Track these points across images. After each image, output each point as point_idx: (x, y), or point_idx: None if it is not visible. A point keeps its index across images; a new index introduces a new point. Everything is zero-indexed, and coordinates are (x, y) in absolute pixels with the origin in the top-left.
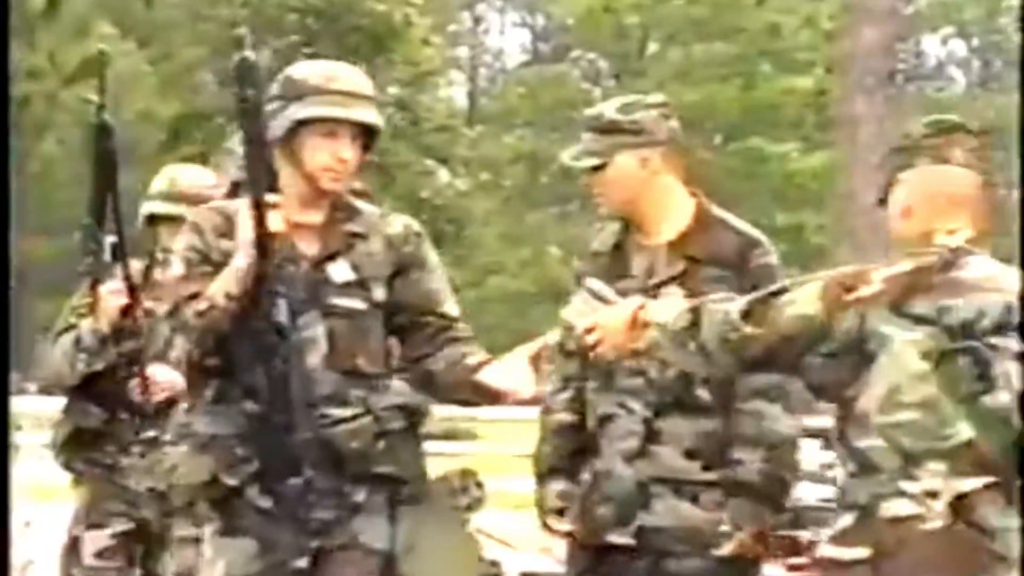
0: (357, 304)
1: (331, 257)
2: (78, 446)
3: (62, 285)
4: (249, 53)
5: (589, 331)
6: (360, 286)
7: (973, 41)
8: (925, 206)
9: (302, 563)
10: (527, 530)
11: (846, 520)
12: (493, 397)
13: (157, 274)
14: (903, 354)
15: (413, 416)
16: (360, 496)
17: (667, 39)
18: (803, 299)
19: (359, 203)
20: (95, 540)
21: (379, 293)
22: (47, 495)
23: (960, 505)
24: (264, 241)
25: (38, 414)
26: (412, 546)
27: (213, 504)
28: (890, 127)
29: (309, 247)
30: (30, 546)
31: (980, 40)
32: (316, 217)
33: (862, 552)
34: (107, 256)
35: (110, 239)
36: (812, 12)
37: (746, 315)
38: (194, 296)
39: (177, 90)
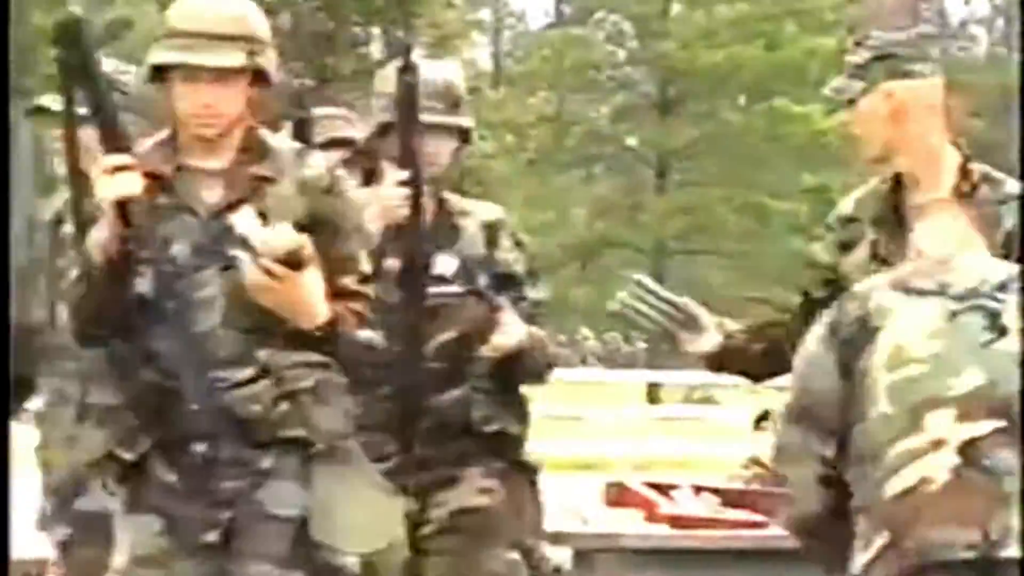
0: None
1: (235, 205)
2: None
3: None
4: (75, 9)
5: None
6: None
7: (996, 0)
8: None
9: (212, 537)
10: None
11: (864, 526)
12: None
13: None
14: (910, 317)
15: (326, 371)
16: (267, 462)
17: (691, 1)
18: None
19: (276, 140)
20: None
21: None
22: None
23: (969, 450)
24: (122, 205)
25: None
26: (325, 509)
27: (116, 480)
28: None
29: (210, 194)
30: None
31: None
32: (217, 162)
33: (883, 539)
34: None
35: None
36: None
37: None
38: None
39: None
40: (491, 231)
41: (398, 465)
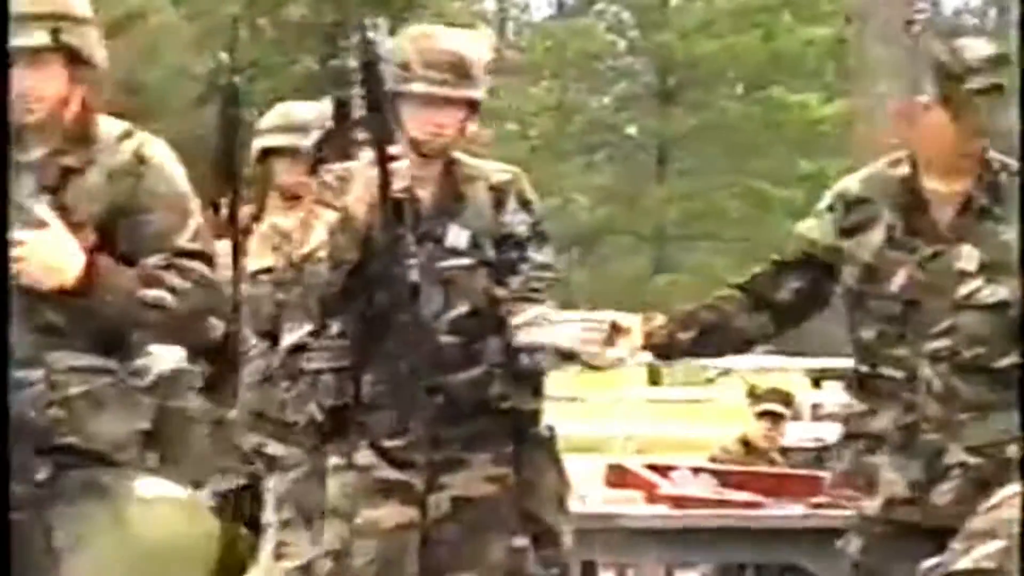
0: None
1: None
2: None
3: None
4: None
5: None
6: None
7: None
8: None
9: None
10: None
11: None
12: None
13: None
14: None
15: (108, 376)
16: (42, 473)
17: None
18: None
19: (105, 126)
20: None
21: (88, 238)
22: None
23: None
24: None
25: None
26: (74, 546)
27: None
28: (907, 76)
29: (20, 188)
30: None
31: None
32: (35, 152)
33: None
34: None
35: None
36: None
37: None
38: None
39: (212, 45)
40: (498, 194)
41: (410, 442)
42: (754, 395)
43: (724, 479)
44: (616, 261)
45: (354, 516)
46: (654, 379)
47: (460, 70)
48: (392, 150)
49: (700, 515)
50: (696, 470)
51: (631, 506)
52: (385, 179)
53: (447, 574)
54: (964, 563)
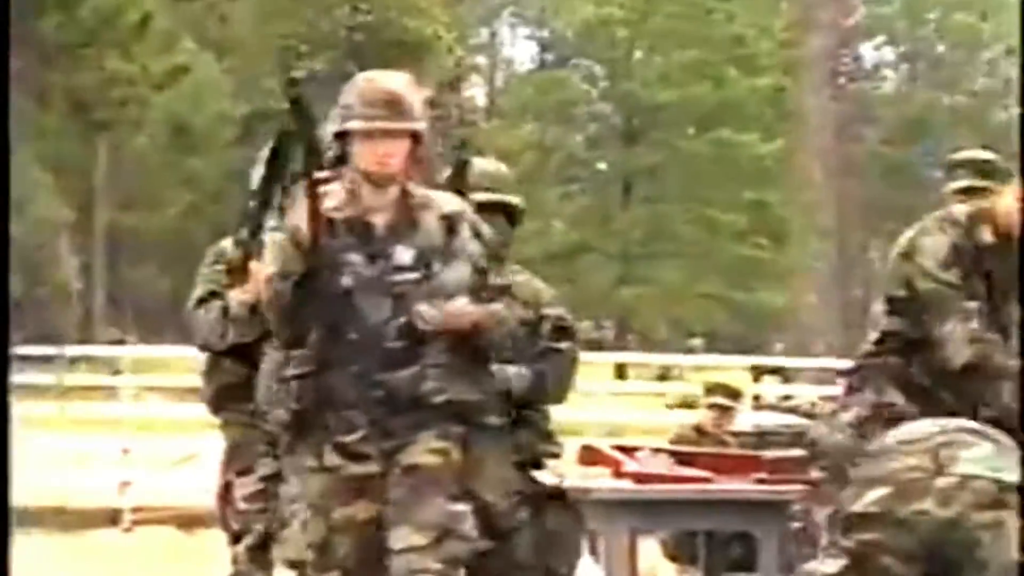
0: None
1: None
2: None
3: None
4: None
5: None
6: None
7: (901, 47)
8: None
9: None
10: None
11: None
12: None
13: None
14: None
15: None
16: None
17: (650, 48)
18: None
19: None
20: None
21: None
22: (144, 427)
23: None
24: None
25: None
26: None
27: None
28: (834, 118)
29: None
30: (129, 470)
31: (906, 47)
32: None
33: None
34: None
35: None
36: (770, 25)
37: None
38: None
39: (248, 94)
40: (450, 222)
41: (364, 436)
42: (708, 389)
43: (680, 458)
44: (588, 275)
45: (331, 512)
46: (620, 374)
47: (394, 106)
48: (319, 175)
49: (659, 489)
50: (656, 451)
51: (601, 481)
52: (313, 202)
53: (391, 527)
54: (856, 507)
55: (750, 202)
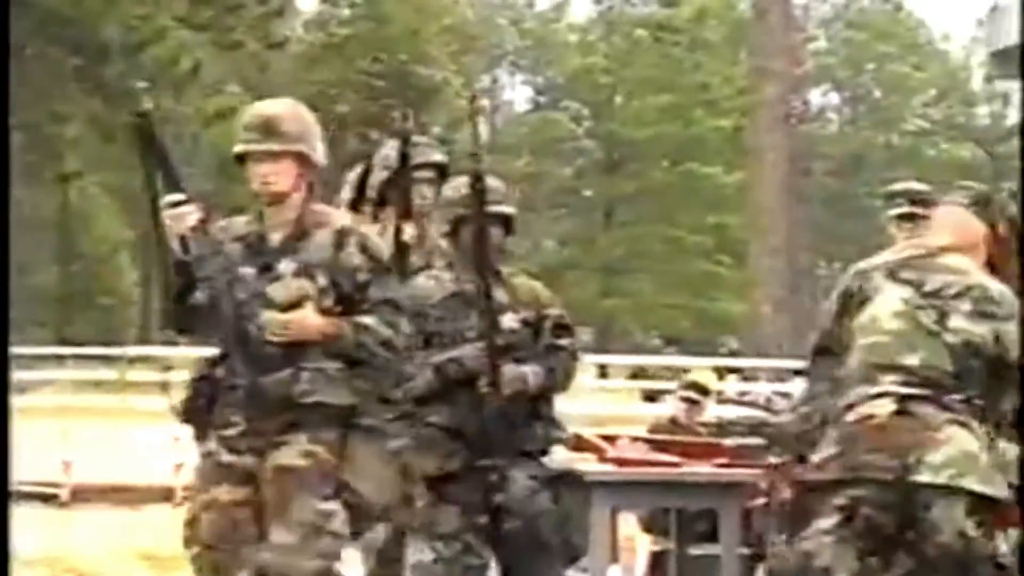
0: None
1: None
2: None
3: None
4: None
5: None
6: None
7: (844, 93)
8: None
9: None
10: None
11: (828, 433)
12: None
13: None
14: (888, 297)
15: None
16: None
17: (629, 93)
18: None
19: None
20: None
21: None
22: None
23: (903, 406)
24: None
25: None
26: None
27: None
28: (786, 155)
29: None
30: (180, 454)
31: (848, 92)
32: None
33: (834, 449)
34: None
35: None
36: (731, 74)
37: None
38: None
39: None
40: (340, 236)
41: (240, 433)
42: (682, 386)
43: (654, 445)
44: (574, 288)
45: (200, 493)
46: (603, 373)
47: (269, 129)
48: (172, 198)
49: (637, 472)
50: (634, 439)
51: (586, 464)
52: (173, 224)
53: (267, 526)
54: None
55: (713, 225)
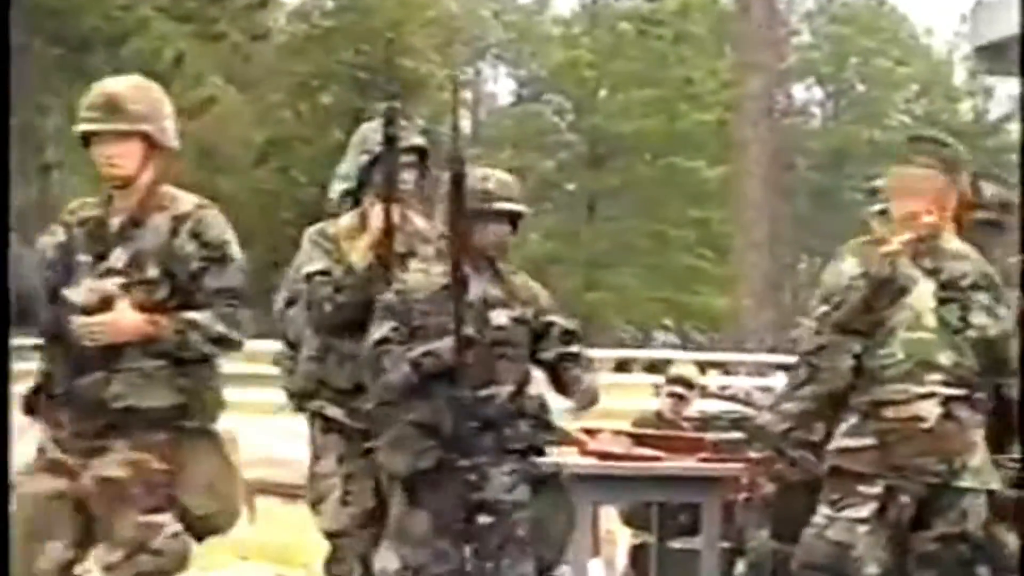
0: None
1: None
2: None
3: None
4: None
5: None
6: None
7: (827, 87)
8: (901, 197)
9: None
10: None
11: (854, 420)
12: None
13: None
14: (924, 291)
15: None
16: None
17: (613, 87)
18: (844, 266)
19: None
20: None
21: None
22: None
23: (948, 408)
24: None
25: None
26: None
27: None
28: (769, 149)
29: None
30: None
31: (831, 87)
32: None
33: (871, 440)
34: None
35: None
36: (715, 68)
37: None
38: None
39: (265, 122)
40: (175, 222)
41: (69, 434)
42: (668, 380)
43: (636, 439)
44: (558, 282)
45: (22, 485)
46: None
47: (109, 107)
48: None
49: (619, 465)
50: (616, 432)
51: (569, 458)
52: None
53: (96, 542)
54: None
55: (697, 219)
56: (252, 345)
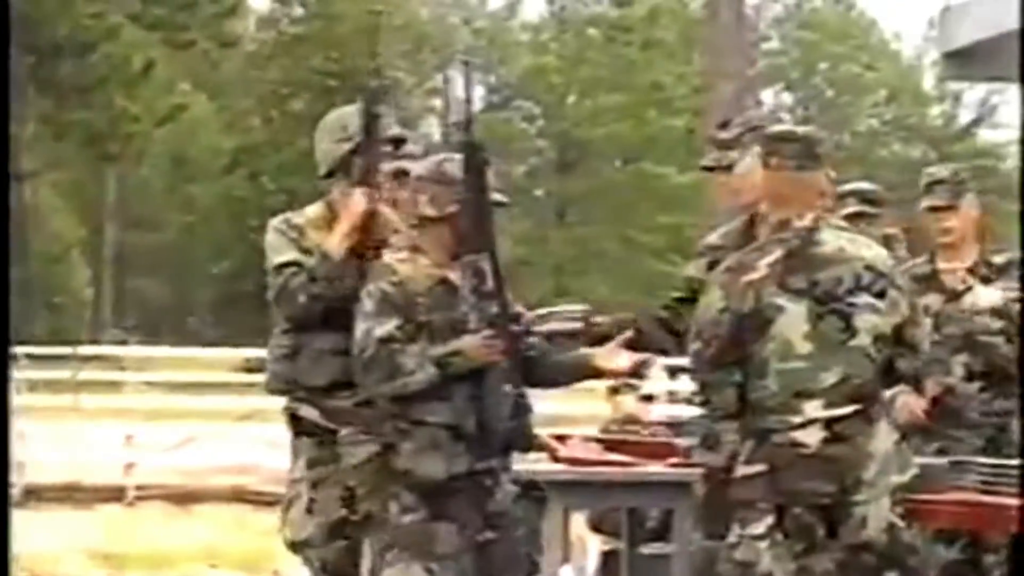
0: None
1: None
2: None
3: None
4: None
5: None
6: None
7: (796, 93)
8: (773, 200)
9: None
10: None
11: (748, 446)
12: None
13: None
14: (793, 318)
15: None
16: None
17: (581, 92)
18: (711, 300)
19: None
20: None
21: None
22: (145, 416)
23: (831, 431)
24: None
25: (140, 357)
26: None
27: None
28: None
29: None
30: (132, 453)
31: (800, 93)
32: None
33: (761, 467)
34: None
35: None
36: (684, 73)
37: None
38: None
39: (235, 129)
40: None
41: None
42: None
43: (606, 445)
44: (527, 287)
45: None
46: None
47: None
48: None
49: (589, 471)
50: (586, 438)
51: (540, 464)
52: None
53: None
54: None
55: (666, 225)
56: (211, 353)
